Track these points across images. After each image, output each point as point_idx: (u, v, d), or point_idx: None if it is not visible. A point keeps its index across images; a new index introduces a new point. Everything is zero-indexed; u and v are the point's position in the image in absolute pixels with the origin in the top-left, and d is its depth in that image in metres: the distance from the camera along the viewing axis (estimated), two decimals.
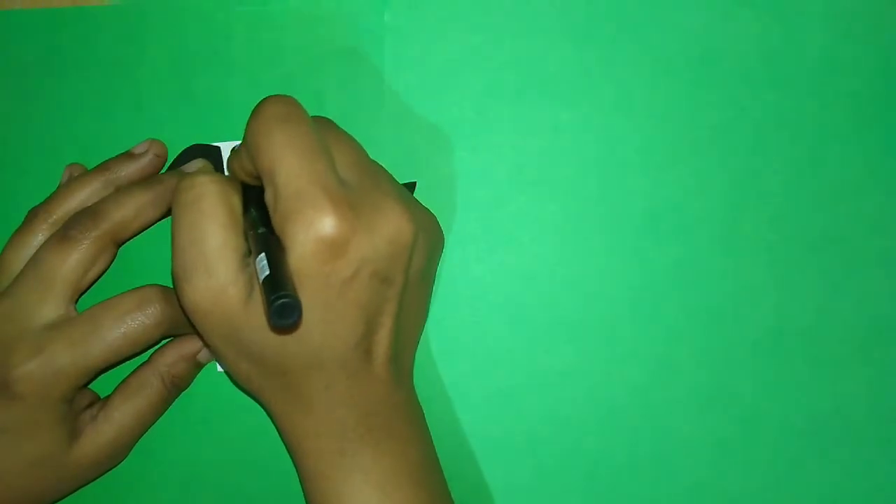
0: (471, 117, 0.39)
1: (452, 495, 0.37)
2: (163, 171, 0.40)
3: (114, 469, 0.39)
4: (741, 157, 0.39)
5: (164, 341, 0.39)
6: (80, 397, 0.37)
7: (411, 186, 0.40)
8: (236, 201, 0.34)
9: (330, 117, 0.36)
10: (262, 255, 0.31)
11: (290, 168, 0.32)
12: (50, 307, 0.36)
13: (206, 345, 0.37)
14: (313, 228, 0.31)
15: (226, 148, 0.40)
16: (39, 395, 0.35)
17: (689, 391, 0.39)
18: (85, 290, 0.37)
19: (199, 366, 0.39)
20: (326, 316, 0.32)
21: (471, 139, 0.39)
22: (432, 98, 0.39)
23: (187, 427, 0.40)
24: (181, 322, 0.37)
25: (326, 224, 0.31)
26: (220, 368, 0.40)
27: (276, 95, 0.34)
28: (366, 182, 0.33)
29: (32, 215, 0.38)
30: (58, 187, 0.39)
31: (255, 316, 0.33)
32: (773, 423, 0.39)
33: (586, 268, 0.39)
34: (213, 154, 0.40)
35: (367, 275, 0.32)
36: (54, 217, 0.38)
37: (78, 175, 0.39)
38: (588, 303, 0.39)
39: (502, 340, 0.39)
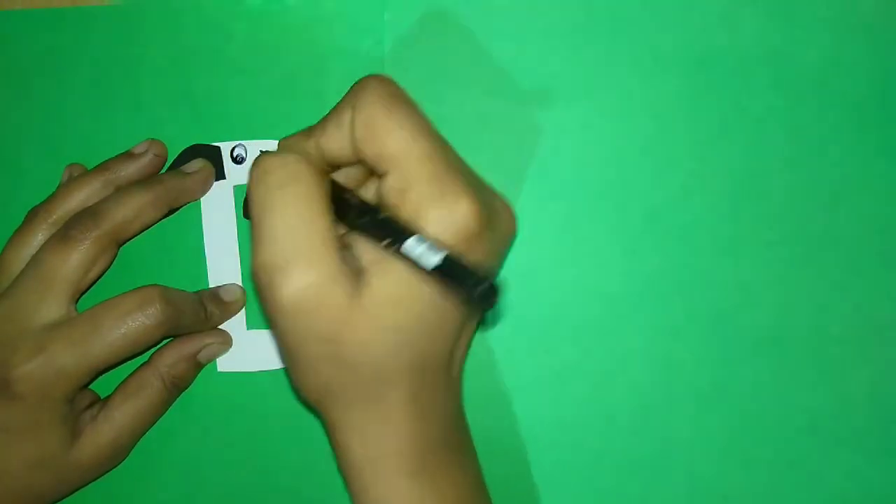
0: (471, 117, 0.39)
1: None
2: (163, 170, 0.40)
3: (114, 469, 0.39)
4: (741, 157, 0.39)
5: (164, 341, 0.39)
6: (81, 397, 0.37)
7: None
8: (327, 184, 0.31)
9: None
10: (414, 239, 0.28)
11: (422, 152, 0.30)
12: (50, 307, 0.36)
13: (288, 348, 0.32)
14: (456, 213, 0.29)
15: (225, 148, 0.40)
16: (40, 395, 0.35)
17: (690, 391, 0.39)
18: (85, 290, 0.37)
19: (199, 366, 0.39)
20: (443, 314, 0.31)
21: (471, 139, 0.39)
22: (432, 98, 0.39)
23: (187, 427, 0.40)
24: (182, 322, 0.37)
25: (469, 210, 0.29)
26: (220, 368, 0.40)
27: (377, 75, 0.31)
28: (474, 174, 0.32)
29: (32, 215, 0.38)
30: (58, 187, 0.39)
31: (364, 315, 0.30)
32: (773, 423, 0.39)
33: (586, 268, 0.39)
34: (213, 154, 0.40)
35: (488, 266, 0.31)
36: (54, 217, 0.38)
37: (78, 175, 0.39)
38: (588, 303, 0.39)
39: (502, 340, 0.39)
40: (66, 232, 0.36)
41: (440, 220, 0.29)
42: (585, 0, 0.39)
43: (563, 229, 0.39)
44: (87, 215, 0.37)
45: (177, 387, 0.39)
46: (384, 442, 0.32)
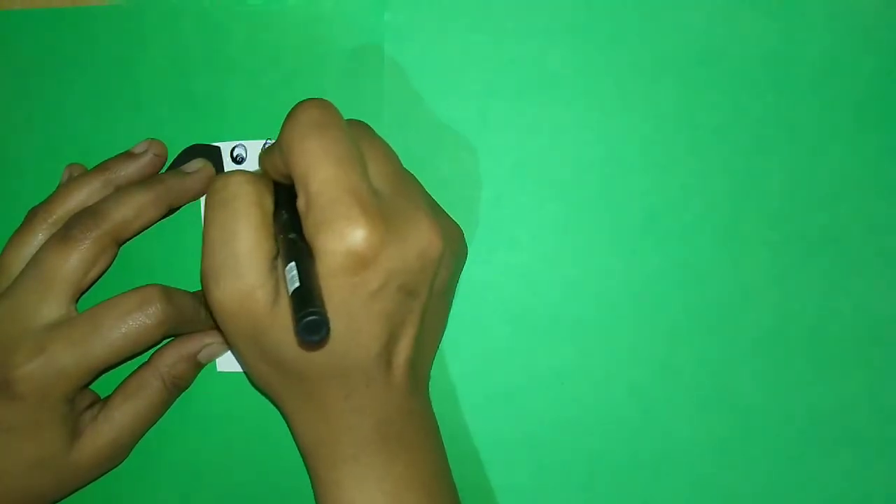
0: (471, 117, 0.39)
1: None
2: (163, 170, 0.40)
3: (114, 469, 0.39)
4: (741, 157, 0.39)
5: (164, 341, 0.39)
6: (81, 398, 0.37)
7: None
8: (269, 202, 0.34)
9: None
10: (293, 264, 0.31)
11: (324, 176, 0.31)
12: (51, 307, 0.36)
13: (228, 344, 0.38)
14: (345, 240, 0.31)
15: (225, 148, 0.40)
16: (41, 395, 0.35)
17: (690, 391, 0.39)
18: (86, 290, 0.37)
19: (199, 366, 0.39)
20: (351, 326, 0.32)
21: (471, 139, 0.39)
22: (432, 98, 0.39)
23: (187, 427, 0.40)
24: (182, 321, 0.37)
25: (358, 236, 0.31)
26: (220, 368, 0.40)
27: (312, 100, 0.33)
28: (398, 193, 0.33)
29: (32, 215, 0.38)
30: (58, 187, 0.39)
31: (281, 320, 0.33)
32: (773, 423, 0.39)
33: (586, 268, 0.39)
34: (213, 154, 0.40)
35: (394, 287, 0.32)
36: (54, 217, 0.38)
37: (78, 175, 0.39)
38: (588, 303, 0.39)
39: (502, 341, 0.39)
40: (66, 232, 0.36)
41: (329, 245, 0.31)
42: (585, 0, 0.39)
43: (562, 229, 0.39)
44: (88, 215, 0.37)
45: (177, 387, 0.39)
46: (322, 431, 0.35)
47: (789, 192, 0.38)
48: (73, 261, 0.36)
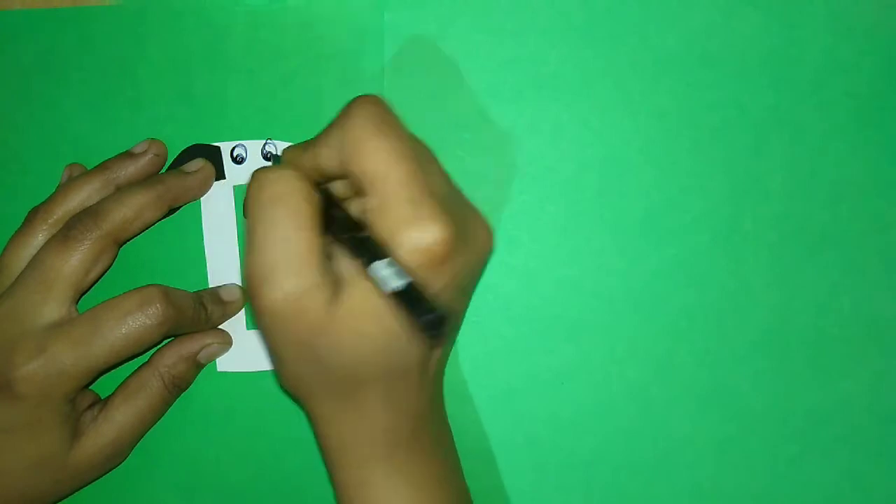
0: (470, 117, 0.39)
1: None
2: (163, 170, 0.40)
3: (114, 469, 0.39)
4: (741, 157, 0.39)
5: (165, 341, 0.39)
6: (82, 398, 0.37)
7: None
8: (317, 199, 0.33)
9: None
10: (381, 262, 0.31)
11: (400, 176, 0.31)
12: (52, 307, 0.36)
13: (266, 344, 0.35)
14: (426, 237, 0.31)
15: (225, 148, 0.40)
16: (42, 395, 0.35)
17: (689, 391, 0.39)
18: (86, 291, 0.37)
19: (199, 366, 0.39)
20: (397, 325, 0.32)
21: (470, 139, 0.39)
22: (431, 98, 0.39)
23: (187, 427, 0.40)
24: (183, 322, 0.37)
25: (439, 234, 0.31)
26: (220, 367, 0.40)
27: (368, 97, 0.33)
28: (455, 194, 0.34)
29: (32, 215, 0.38)
30: (57, 187, 0.39)
31: (340, 322, 0.32)
32: (772, 423, 0.39)
33: (586, 267, 0.39)
34: (213, 154, 0.40)
35: (454, 287, 0.32)
36: (55, 217, 0.38)
37: (78, 175, 0.39)
38: (588, 302, 0.39)
39: (502, 341, 0.39)
40: (66, 232, 0.36)
41: (410, 244, 0.31)
42: (585, 0, 0.39)
43: (562, 229, 0.39)
44: (88, 215, 0.37)
45: (177, 387, 0.39)
46: (357, 431, 0.34)
47: (789, 192, 0.38)
48: (74, 261, 0.36)
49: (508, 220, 0.39)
